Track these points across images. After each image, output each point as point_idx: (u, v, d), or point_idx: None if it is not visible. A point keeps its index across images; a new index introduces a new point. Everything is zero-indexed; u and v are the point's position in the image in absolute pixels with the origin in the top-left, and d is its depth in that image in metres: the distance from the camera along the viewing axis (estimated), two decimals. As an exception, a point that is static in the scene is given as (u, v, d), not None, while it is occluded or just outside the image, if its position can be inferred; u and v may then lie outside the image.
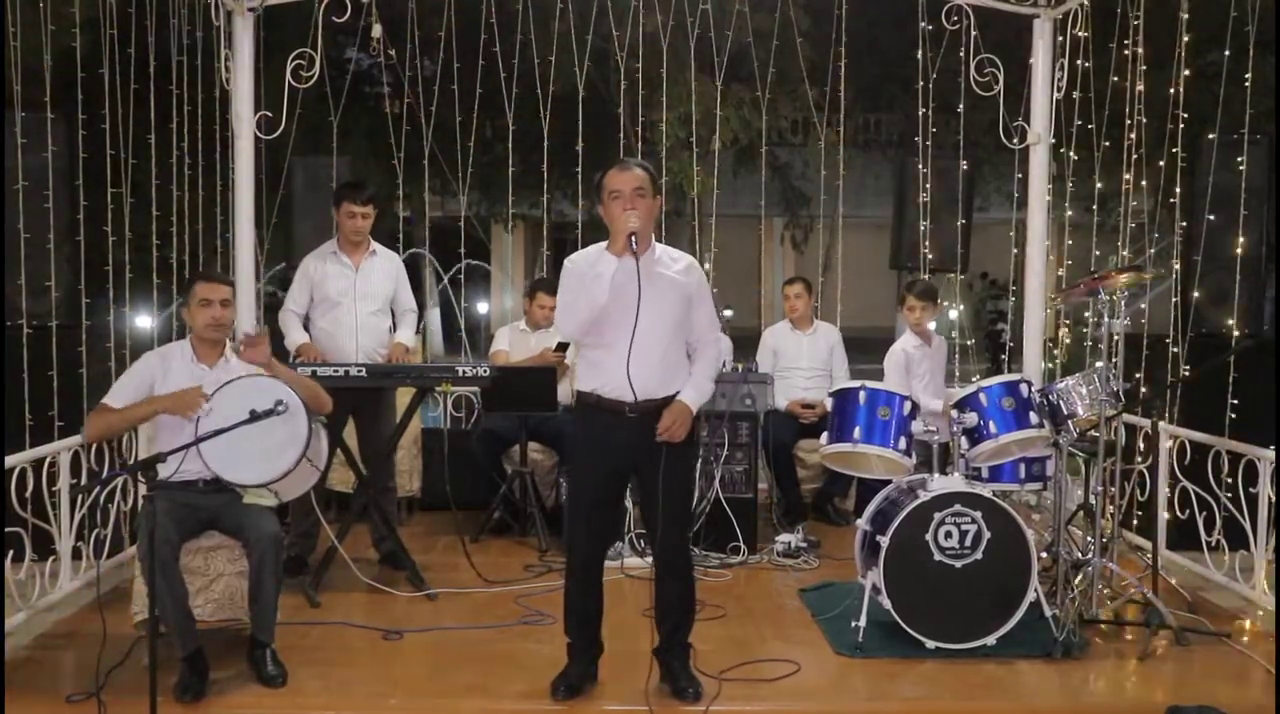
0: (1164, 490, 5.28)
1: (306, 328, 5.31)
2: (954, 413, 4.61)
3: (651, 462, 3.65)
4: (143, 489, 4.48)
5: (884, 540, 4.22)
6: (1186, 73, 5.56)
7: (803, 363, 6.51)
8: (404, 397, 5.35)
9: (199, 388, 3.96)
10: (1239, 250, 5.53)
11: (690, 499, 3.97)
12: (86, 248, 5.30)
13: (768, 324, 6.90)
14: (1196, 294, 5.81)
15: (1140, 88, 5.78)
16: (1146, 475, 5.48)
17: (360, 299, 5.26)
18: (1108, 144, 6.16)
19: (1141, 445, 5.58)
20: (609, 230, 3.73)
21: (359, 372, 4.84)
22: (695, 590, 3.94)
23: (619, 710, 3.78)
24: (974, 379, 5.66)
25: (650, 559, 4.40)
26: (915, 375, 5.79)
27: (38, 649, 4.28)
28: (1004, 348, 7.21)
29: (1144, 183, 5.93)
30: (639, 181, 3.66)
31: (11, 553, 4.36)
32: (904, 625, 4.24)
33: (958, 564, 4.24)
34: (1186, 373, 5.50)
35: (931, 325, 6.08)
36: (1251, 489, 4.79)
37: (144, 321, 6.22)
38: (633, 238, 3.57)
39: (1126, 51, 5.86)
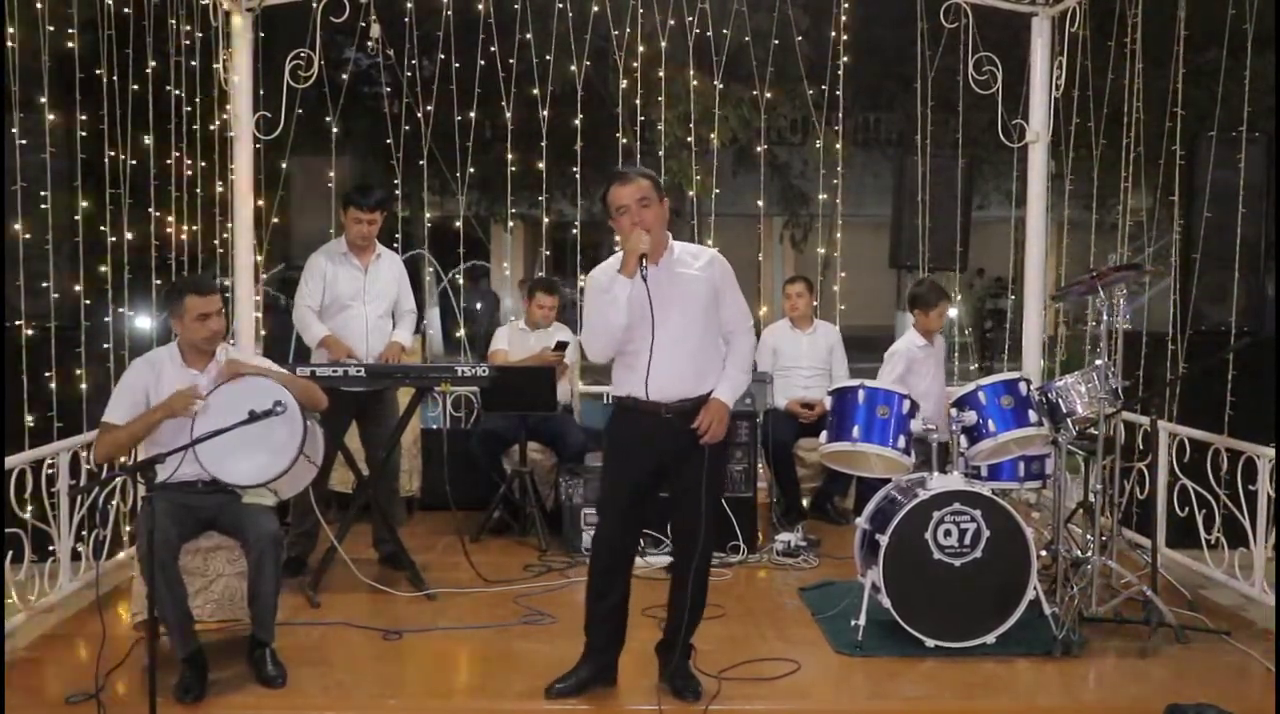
0: (1163, 488, 5.28)
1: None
2: (953, 411, 4.61)
3: (686, 462, 3.65)
4: (141, 490, 4.48)
5: (883, 539, 4.22)
6: (1184, 70, 5.57)
7: (802, 362, 6.50)
8: (404, 397, 5.35)
9: (193, 387, 3.97)
10: (1237, 248, 5.53)
11: (720, 497, 3.95)
12: (85, 249, 5.29)
13: (767, 323, 6.90)
14: (1195, 292, 5.81)
15: (1138, 85, 5.78)
16: (1146, 473, 5.48)
17: (370, 302, 5.25)
18: (1106, 142, 6.16)
19: (1141, 443, 5.58)
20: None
21: (358, 371, 4.84)
22: (708, 593, 3.92)
23: (619, 710, 3.78)
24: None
25: (648, 559, 4.42)
26: (919, 374, 5.77)
27: (37, 650, 4.27)
28: (992, 354, 7.23)
29: (1143, 180, 5.94)
30: (642, 192, 3.61)
31: (10, 554, 4.36)
32: (903, 624, 4.24)
33: (957, 563, 4.24)
34: (1185, 370, 5.50)
35: None
36: (1250, 486, 4.79)
37: (143, 323, 6.21)
38: (643, 260, 3.53)
39: (1125, 49, 5.86)
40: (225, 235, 6.25)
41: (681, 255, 3.74)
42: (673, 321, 3.63)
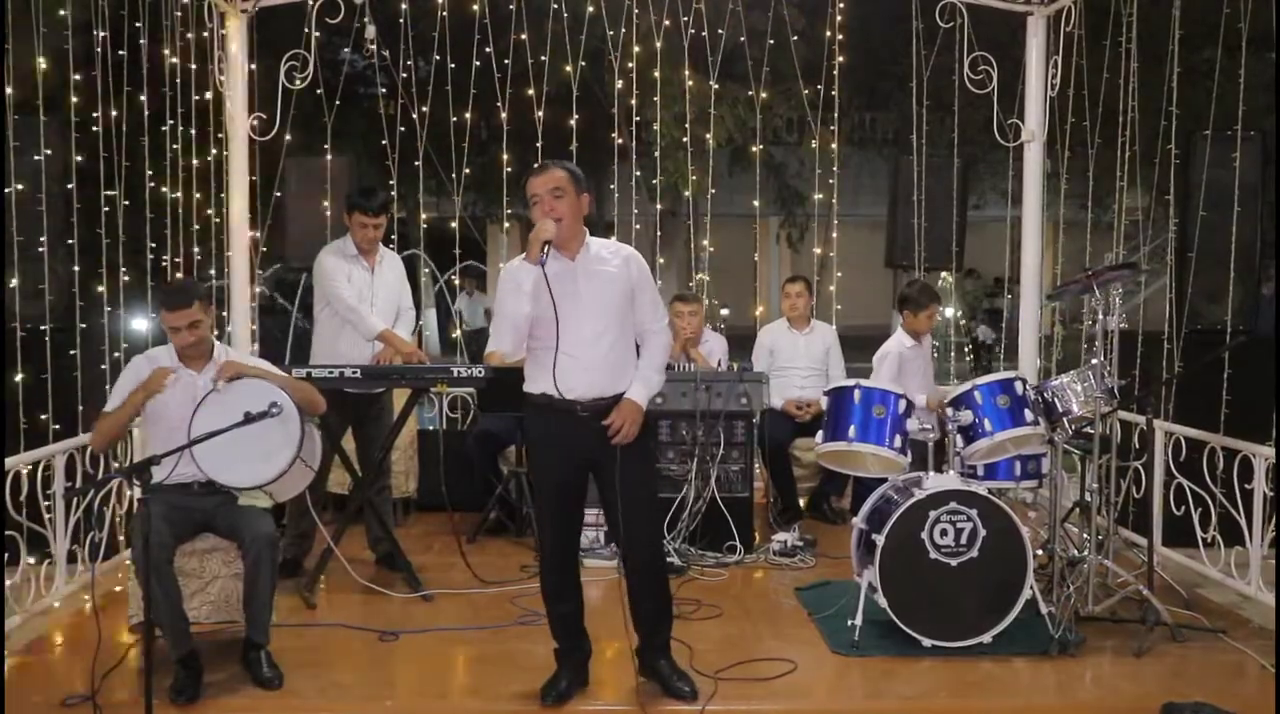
0: (1159, 487, 5.28)
1: (311, 329, 5.29)
2: (949, 411, 4.61)
3: (608, 461, 3.63)
4: (137, 492, 4.48)
5: (880, 539, 4.22)
6: (1179, 69, 5.58)
7: (799, 362, 6.51)
8: (400, 397, 5.35)
9: (161, 369, 4.01)
10: (1233, 247, 5.54)
11: (655, 493, 3.94)
12: (80, 250, 5.29)
13: (764, 323, 6.90)
14: (1191, 291, 5.82)
15: (1133, 84, 5.78)
16: (1142, 472, 5.49)
17: (377, 303, 5.25)
18: (1101, 141, 6.17)
19: (1137, 442, 5.58)
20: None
21: (354, 373, 4.83)
22: (670, 587, 3.92)
23: (615, 710, 3.78)
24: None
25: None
26: (909, 373, 5.79)
27: (33, 653, 4.27)
28: (981, 356, 7.22)
29: (1138, 179, 5.94)
30: (556, 182, 3.60)
31: (6, 556, 4.35)
32: (900, 624, 4.24)
33: (953, 562, 4.24)
34: (1181, 369, 5.51)
35: None
36: (1246, 485, 4.79)
37: (139, 324, 6.19)
38: (546, 247, 3.50)
39: (1120, 48, 5.87)
40: (221, 236, 6.24)
41: (599, 252, 3.70)
42: (587, 319, 3.60)
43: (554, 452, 3.71)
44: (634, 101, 6.75)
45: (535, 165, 3.71)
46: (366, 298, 5.22)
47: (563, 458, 3.71)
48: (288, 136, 6.26)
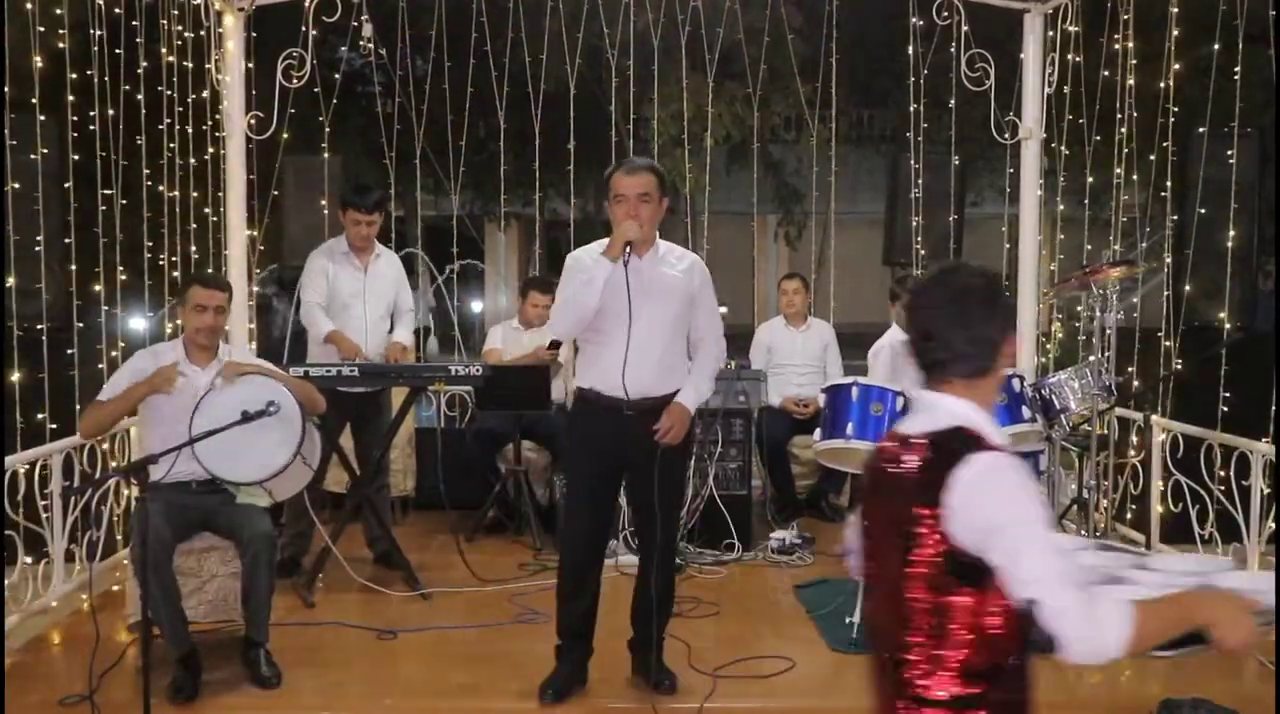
0: (1157, 484, 5.29)
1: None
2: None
3: (646, 460, 3.65)
4: (135, 491, 4.48)
5: (878, 536, 4.21)
6: (1176, 67, 5.58)
7: (797, 360, 6.51)
8: (398, 396, 5.35)
9: (172, 365, 3.98)
10: (1230, 243, 5.54)
11: (683, 498, 3.97)
12: (77, 250, 5.28)
13: (762, 321, 6.90)
14: (1188, 288, 5.82)
15: (1130, 82, 5.78)
16: (1139, 469, 5.49)
17: (369, 302, 5.25)
18: (1099, 138, 6.17)
19: (1134, 439, 5.58)
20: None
21: (351, 371, 4.83)
22: (675, 585, 3.96)
23: (613, 708, 3.78)
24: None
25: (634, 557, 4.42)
26: (903, 368, 5.78)
27: (30, 652, 4.27)
28: None
29: (1135, 177, 5.94)
30: (644, 187, 3.60)
31: (4, 555, 4.35)
32: (898, 621, 4.23)
33: (951, 559, 4.23)
34: (1179, 366, 5.51)
35: None
36: (1244, 482, 4.79)
37: (137, 324, 6.18)
38: (628, 247, 3.54)
39: (1117, 46, 5.87)
40: (218, 235, 6.23)
41: (666, 255, 3.74)
42: (646, 319, 3.62)
43: (593, 448, 3.73)
44: (631, 99, 6.74)
45: (625, 160, 3.70)
46: (358, 297, 5.22)
47: (601, 455, 3.72)
48: (285, 135, 6.24)
